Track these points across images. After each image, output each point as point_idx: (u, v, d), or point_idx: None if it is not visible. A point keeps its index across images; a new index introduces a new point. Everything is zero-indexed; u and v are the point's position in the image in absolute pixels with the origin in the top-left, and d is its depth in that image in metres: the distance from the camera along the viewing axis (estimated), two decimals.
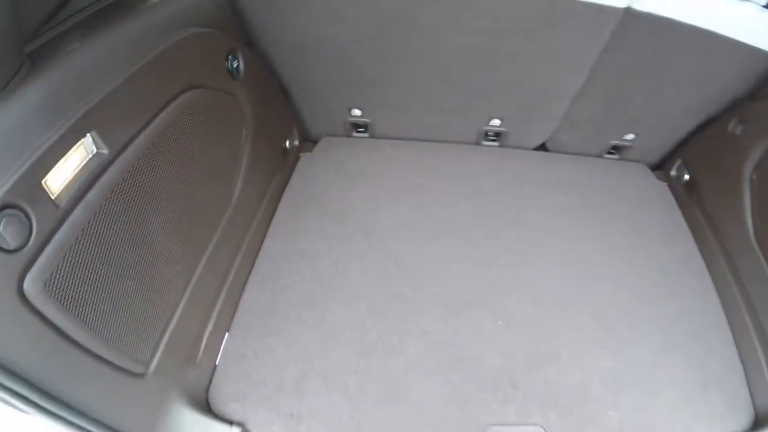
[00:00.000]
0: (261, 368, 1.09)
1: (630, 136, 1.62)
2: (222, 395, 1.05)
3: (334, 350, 1.13)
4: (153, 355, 0.92)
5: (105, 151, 0.79)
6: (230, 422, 1.00)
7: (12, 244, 0.64)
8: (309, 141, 1.72)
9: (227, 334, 1.14)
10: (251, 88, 1.26)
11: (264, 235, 1.36)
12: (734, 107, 1.41)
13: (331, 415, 1.03)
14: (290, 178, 1.54)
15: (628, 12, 1.17)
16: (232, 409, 1.03)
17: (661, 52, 1.30)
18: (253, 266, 1.28)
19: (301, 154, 1.64)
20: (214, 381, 1.07)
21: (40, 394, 0.69)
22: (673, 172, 1.64)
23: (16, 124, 0.66)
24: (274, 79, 1.46)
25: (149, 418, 0.92)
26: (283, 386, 1.06)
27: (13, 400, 0.67)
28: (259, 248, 1.33)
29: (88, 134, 0.76)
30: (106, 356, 0.80)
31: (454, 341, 1.17)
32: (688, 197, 1.55)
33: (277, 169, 1.49)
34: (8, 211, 0.63)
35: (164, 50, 0.92)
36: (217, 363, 1.09)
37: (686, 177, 1.58)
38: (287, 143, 1.56)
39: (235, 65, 1.19)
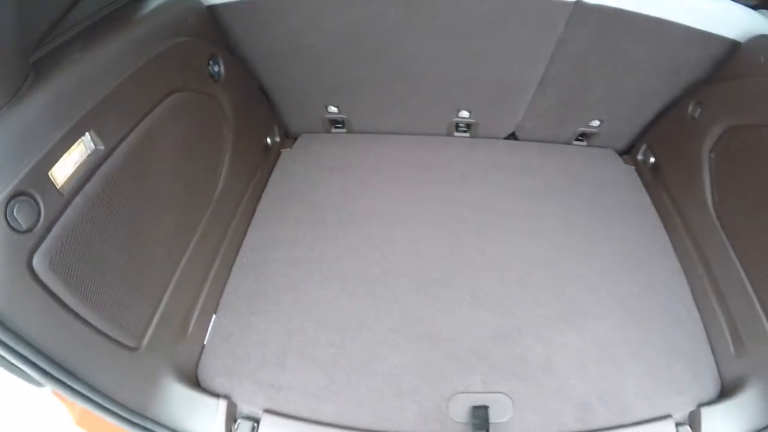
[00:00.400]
0: (245, 345, 1.22)
1: (595, 123, 1.74)
2: (210, 371, 1.17)
3: (312, 327, 1.26)
4: (145, 331, 1.06)
5: (102, 147, 0.94)
6: (217, 395, 1.10)
7: (24, 225, 0.78)
8: (290, 137, 1.87)
9: (214, 315, 1.28)
10: (231, 90, 1.41)
11: (248, 225, 1.51)
12: (693, 91, 1.52)
13: (308, 386, 1.15)
14: (272, 173, 1.69)
15: (578, 5, 1.28)
16: (219, 384, 1.15)
17: (616, 42, 1.40)
18: (237, 253, 1.42)
19: (282, 150, 1.80)
20: (202, 358, 1.20)
21: (45, 360, 0.82)
22: (639, 156, 1.76)
23: (25, 126, 0.81)
24: (254, 81, 1.62)
25: (142, 390, 1.04)
26: (265, 361, 1.19)
27: (23, 366, 0.80)
28: (243, 237, 1.47)
29: (87, 133, 0.91)
30: (103, 329, 0.94)
31: (422, 317, 1.29)
32: (653, 180, 1.66)
33: (259, 164, 1.65)
34: (20, 198, 0.78)
35: (151, 59, 1.08)
36: (205, 342, 1.22)
37: (652, 160, 1.70)
38: (268, 140, 1.72)
39: (215, 69, 1.35)
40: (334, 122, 1.82)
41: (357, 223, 1.52)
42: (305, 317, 1.28)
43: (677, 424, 1.10)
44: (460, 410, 1.12)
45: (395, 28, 1.41)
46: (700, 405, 1.11)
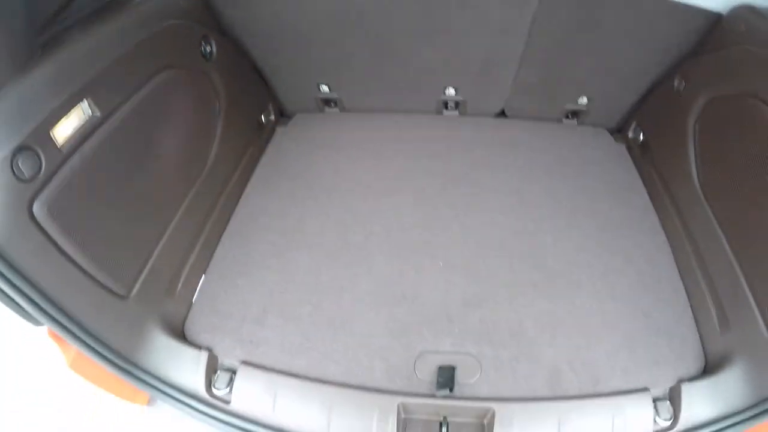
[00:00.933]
0: (229, 304, 1.36)
1: (583, 100, 1.81)
2: (195, 326, 1.32)
3: (293, 290, 1.39)
4: (135, 282, 1.23)
5: (98, 114, 1.13)
6: (200, 347, 1.23)
7: (26, 175, 0.96)
8: (285, 116, 2.03)
9: (203, 276, 1.43)
10: (224, 69, 1.59)
11: (239, 196, 1.67)
12: (678, 66, 1.56)
13: (284, 342, 1.27)
14: (266, 149, 1.86)
15: None
16: (202, 338, 1.28)
17: (596, 17, 1.47)
18: (228, 221, 1.59)
19: (276, 128, 1.96)
20: (189, 314, 1.34)
21: (41, 297, 0.98)
22: (630, 134, 1.82)
23: (31, 92, 0.99)
24: (247, 61, 1.79)
25: (129, 337, 1.19)
26: (246, 319, 1.32)
27: (20, 300, 0.95)
28: (234, 207, 1.63)
29: (85, 100, 1.09)
30: (95, 274, 1.11)
31: (398, 281, 1.40)
32: (642, 157, 1.72)
33: (253, 140, 1.83)
34: (25, 151, 0.96)
35: (145, 38, 1.27)
36: (193, 300, 1.37)
37: (641, 138, 1.75)
38: (263, 118, 1.90)
39: (207, 50, 1.53)
40: (327, 101, 1.97)
41: (344, 197, 1.66)
42: (288, 281, 1.41)
43: (655, 400, 1.13)
44: (426, 369, 1.20)
45: (380, 6, 1.54)
46: (681, 381, 1.14)
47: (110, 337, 1.13)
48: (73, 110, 1.06)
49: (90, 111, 1.10)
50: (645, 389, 1.14)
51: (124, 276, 1.20)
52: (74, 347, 1.07)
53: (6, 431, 1.57)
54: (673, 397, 1.13)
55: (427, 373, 1.20)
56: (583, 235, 1.49)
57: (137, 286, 1.23)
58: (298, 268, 1.45)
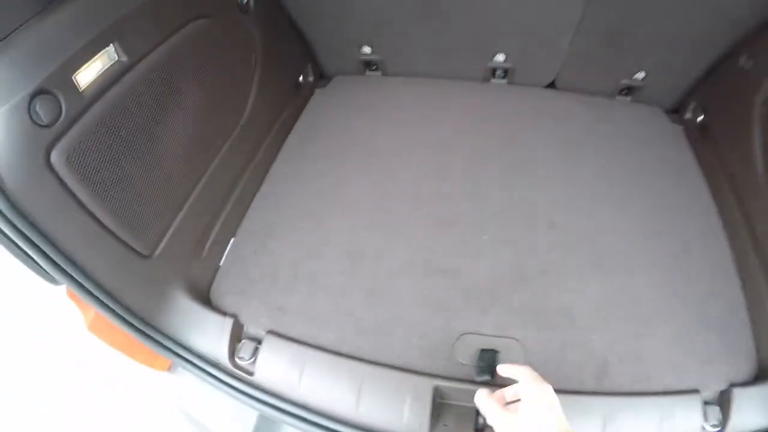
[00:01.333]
0: (257, 268, 1.26)
1: (640, 75, 1.65)
2: (221, 290, 1.22)
3: (326, 254, 1.28)
4: (159, 242, 1.14)
5: (125, 59, 1.01)
6: (224, 313, 1.14)
7: (45, 120, 0.86)
8: (325, 78, 1.90)
9: (233, 239, 1.34)
10: (262, 23, 1.46)
11: (273, 156, 1.56)
12: (746, 41, 1.41)
13: (314, 310, 1.17)
14: (303, 111, 1.73)
15: None
16: (228, 302, 1.19)
17: None
18: (261, 182, 1.48)
19: (315, 90, 1.84)
20: (216, 278, 1.25)
21: (57, 253, 0.90)
22: (687, 115, 1.66)
23: (54, 33, 0.89)
24: (286, 16, 1.65)
25: (151, 299, 1.10)
26: (275, 284, 1.22)
27: (35, 255, 0.87)
28: (269, 167, 1.52)
29: (111, 44, 0.98)
30: (115, 230, 1.02)
31: (439, 253, 1.27)
32: (701, 140, 1.57)
33: (290, 100, 1.70)
34: (44, 95, 0.86)
35: None
36: (221, 264, 1.28)
37: (700, 118, 1.60)
38: (301, 78, 1.77)
39: (245, 1, 1.39)
40: (369, 64, 1.83)
41: (384, 160, 1.52)
42: (321, 245, 1.30)
43: (705, 403, 1.00)
44: (466, 351, 1.10)
45: None
46: (733, 385, 1.02)
47: (131, 298, 1.05)
48: (98, 54, 0.95)
49: (116, 56, 0.99)
50: (696, 391, 1.01)
51: (147, 234, 1.11)
52: (93, 308, 0.99)
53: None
54: (723, 402, 0.99)
55: (467, 357, 1.08)
56: (636, 218, 1.35)
57: (161, 245, 1.14)
58: (332, 232, 1.33)
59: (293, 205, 1.41)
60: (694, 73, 1.59)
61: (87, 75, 0.93)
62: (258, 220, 1.39)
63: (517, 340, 1.11)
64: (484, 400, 0.84)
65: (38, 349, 1.67)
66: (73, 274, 0.93)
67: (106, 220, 1.00)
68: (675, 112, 1.73)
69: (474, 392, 0.89)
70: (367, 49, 1.75)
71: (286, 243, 1.32)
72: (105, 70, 0.97)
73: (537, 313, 1.16)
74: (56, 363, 1.69)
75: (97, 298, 0.98)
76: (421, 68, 1.80)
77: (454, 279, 1.22)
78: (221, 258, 1.30)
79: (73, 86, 0.91)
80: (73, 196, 0.93)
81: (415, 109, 1.71)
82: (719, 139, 1.48)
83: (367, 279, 1.23)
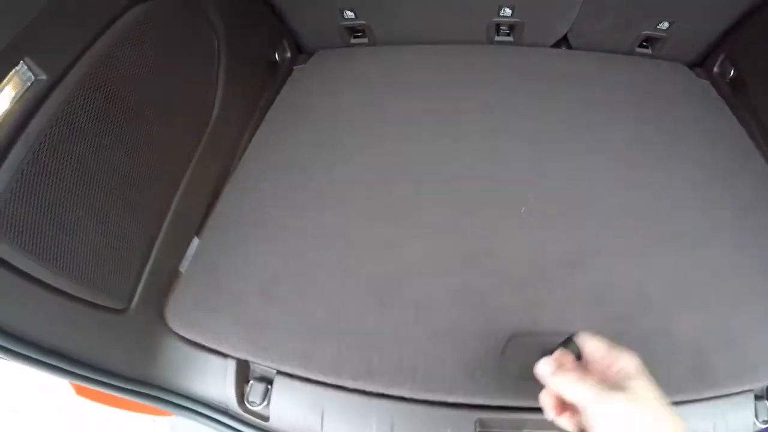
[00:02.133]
0: (231, 275, 1.01)
1: (664, 25, 1.39)
2: (183, 304, 0.97)
3: (315, 251, 1.01)
4: (134, 290, 0.91)
5: (43, 76, 0.73)
6: (188, 340, 0.92)
7: None
8: (304, 54, 1.58)
9: (197, 240, 1.07)
10: None
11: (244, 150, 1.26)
12: None
13: (310, 325, 0.91)
14: (280, 91, 1.43)
15: None
16: (191, 320, 0.94)
17: None
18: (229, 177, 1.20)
19: (294, 67, 1.52)
20: (176, 288, 0.99)
21: (20, 344, 0.69)
22: (716, 69, 1.43)
23: None
24: None
25: (138, 353, 0.91)
26: (255, 293, 0.96)
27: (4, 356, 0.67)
28: (238, 162, 1.23)
29: (21, 61, 0.70)
30: (79, 294, 0.80)
31: (465, 237, 1.01)
32: (734, 95, 1.34)
33: (267, 82, 1.40)
34: None
35: None
36: (180, 269, 1.02)
37: (731, 74, 1.37)
38: (276, 56, 1.46)
39: None
40: (354, 31, 1.51)
41: (383, 138, 1.23)
42: (310, 241, 1.03)
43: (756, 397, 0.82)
44: (518, 358, 0.83)
45: None
46: None
47: (115, 360, 0.84)
48: (5, 79, 0.67)
49: (31, 74, 0.71)
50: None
51: (119, 287, 0.88)
52: None
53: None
54: None
55: (519, 366, 0.81)
56: (693, 177, 1.12)
57: (138, 292, 0.91)
58: (326, 225, 1.05)
59: (274, 198, 1.12)
60: (723, 23, 1.35)
61: None
62: (229, 218, 1.10)
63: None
64: (569, 374, 0.61)
65: None
66: (46, 360, 0.73)
67: (68, 287, 0.77)
68: (699, 65, 1.49)
69: (526, 421, 0.73)
70: (350, 14, 1.44)
71: (267, 242, 1.04)
72: (18, 98, 0.70)
73: (602, 298, 0.90)
74: None
75: (77, 375, 0.78)
76: (415, 32, 1.49)
77: (488, 265, 0.96)
78: (180, 260, 1.03)
79: None
80: (20, 272, 0.69)
81: (412, 77, 1.41)
82: (755, 97, 1.27)
83: (371, 277, 0.96)
